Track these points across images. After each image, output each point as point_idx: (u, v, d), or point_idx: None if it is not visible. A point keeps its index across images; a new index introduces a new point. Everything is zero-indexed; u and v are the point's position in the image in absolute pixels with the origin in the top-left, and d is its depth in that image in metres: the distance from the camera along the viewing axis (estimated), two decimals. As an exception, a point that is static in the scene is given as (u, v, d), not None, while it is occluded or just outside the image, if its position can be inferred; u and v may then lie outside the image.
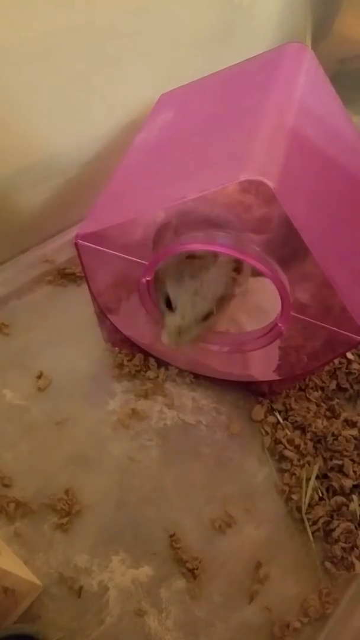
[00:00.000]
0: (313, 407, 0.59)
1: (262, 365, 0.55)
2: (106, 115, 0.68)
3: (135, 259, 0.47)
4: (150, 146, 0.54)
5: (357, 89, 1.06)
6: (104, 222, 0.46)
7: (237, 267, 0.49)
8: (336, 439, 0.57)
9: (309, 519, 0.52)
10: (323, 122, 0.50)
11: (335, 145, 0.51)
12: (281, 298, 0.45)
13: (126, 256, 0.47)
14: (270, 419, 0.59)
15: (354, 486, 0.53)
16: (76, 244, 0.48)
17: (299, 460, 0.56)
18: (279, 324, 0.48)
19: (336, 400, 0.61)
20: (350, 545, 0.50)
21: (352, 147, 0.55)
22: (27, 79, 0.55)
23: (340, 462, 0.55)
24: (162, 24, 0.67)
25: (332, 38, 1.03)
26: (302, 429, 0.58)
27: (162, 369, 0.61)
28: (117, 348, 0.62)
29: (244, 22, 0.81)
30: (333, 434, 0.57)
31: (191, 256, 0.46)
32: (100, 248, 0.47)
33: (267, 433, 0.58)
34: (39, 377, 0.59)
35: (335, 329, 0.46)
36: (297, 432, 0.58)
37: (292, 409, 0.59)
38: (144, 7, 0.63)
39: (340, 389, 0.62)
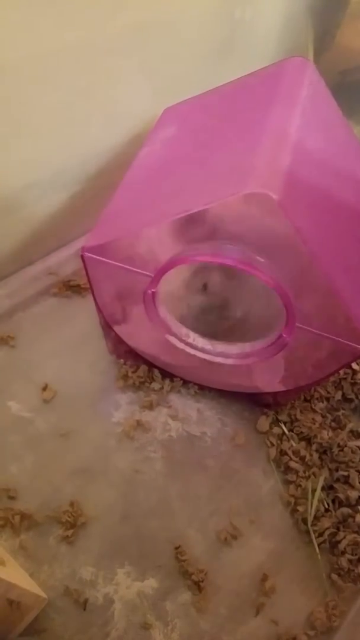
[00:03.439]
0: (318, 418, 0.59)
1: (267, 376, 0.55)
2: (109, 131, 0.69)
3: (141, 271, 0.48)
4: (154, 160, 0.55)
5: (358, 100, 1.07)
6: (110, 235, 0.46)
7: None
8: (342, 450, 0.56)
9: (315, 531, 0.52)
10: (325, 134, 0.51)
11: (337, 157, 0.52)
12: (286, 309, 0.46)
13: (132, 268, 0.48)
14: (276, 430, 0.59)
15: (360, 497, 0.53)
16: (82, 257, 0.48)
17: (304, 471, 0.55)
18: (284, 335, 0.48)
19: (342, 411, 0.61)
20: (356, 557, 0.50)
21: (354, 159, 0.55)
22: (31, 97, 0.56)
23: (346, 473, 0.55)
24: (164, 39, 0.68)
25: (334, 50, 1.04)
26: (308, 440, 0.58)
27: (167, 380, 0.61)
28: (121, 359, 0.62)
29: (245, 35, 0.81)
30: (339, 445, 0.57)
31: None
32: (105, 260, 0.48)
33: (272, 444, 0.58)
34: (44, 389, 0.59)
35: (339, 339, 0.46)
36: (303, 444, 0.58)
37: (297, 420, 0.59)
38: (146, 22, 0.64)
39: (345, 399, 0.62)
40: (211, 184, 0.45)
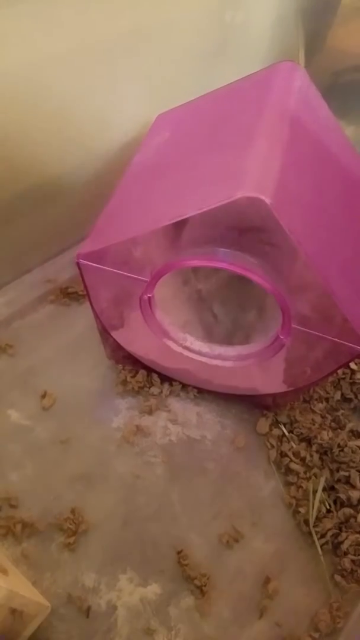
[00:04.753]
0: (318, 419, 0.59)
1: (265, 378, 0.55)
2: (104, 137, 0.69)
3: (136, 277, 0.48)
4: (148, 166, 0.55)
5: (351, 100, 1.07)
6: (105, 241, 0.47)
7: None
8: (342, 450, 0.56)
9: (317, 532, 0.52)
10: (316, 137, 0.51)
11: (329, 159, 0.52)
12: (282, 311, 0.46)
13: (127, 274, 0.48)
14: (276, 431, 0.59)
15: (362, 497, 0.53)
16: (78, 263, 0.48)
17: (305, 472, 0.55)
18: (281, 337, 0.49)
19: (341, 411, 0.61)
20: (359, 557, 0.50)
21: (346, 160, 0.55)
22: (24, 104, 0.56)
23: (347, 474, 0.55)
24: (157, 45, 0.68)
25: (325, 51, 1.04)
26: (308, 441, 0.58)
27: (166, 385, 0.61)
28: (120, 365, 0.62)
29: (237, 39, 0.82)
30: (339, 445, 0.57)
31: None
32: (101, 267, 0.48)
33: (272, 446, 0.58)
34: (44, 396, 0.59)
35: (337, 339, 0.46)
36: (303, 445, 0.58)
37: (297, 421, 0.59)
38: (138, 28, 0.64)
39: (344, 399, 0.62)
40: (205, 189, 0.45)
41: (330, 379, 0.63)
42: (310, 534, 0.52)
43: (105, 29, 0.60)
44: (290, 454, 0.57)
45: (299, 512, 0.53)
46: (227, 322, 0.59)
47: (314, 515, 0.52)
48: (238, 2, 0.77)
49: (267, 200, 0.38)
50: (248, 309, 0.59)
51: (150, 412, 0.59)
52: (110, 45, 0.62)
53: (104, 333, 0.57)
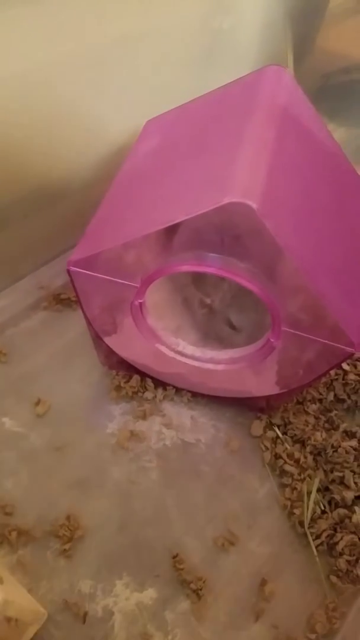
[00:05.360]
0: (311, 420, 0.60)
1: (258, 381, 0.55)
2: (95, 143, 0.69)
3: (127, 282, 0.48)
4: (138, 172, 0.55)
5: (341, 102, 1.08)
6: (95, 247, 0.47)
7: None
8: (336, 451, 0.57)
9: (312, 533, 0.52)
10: (304, 141, 0.51)
11: (317, 163, 0.52)
12: (271, 314, 0.46)
13: (118, 280, 0.48)
14: (270, 433, 0.59)
15: (356, 497, 0.54)
16: (68, 271, 0.48)
17: (299, 474, 0.56)
18: (271, 340, 0.49)
19: (334, 411, 0.61)
20: (354, 557, 0.50)
21: (334, 164, 0.56)
22: (13, 112, 0.57)
23: (341, 474, 0.55)
24: (146, 51, 0.68)
25: (314, 54, 1.05)
26: (302, 442, 0.58)
27: (160, 389, 0.61)
28: (113, 370, 0.62)
29: (225, 45, 0.82)
30: (332, 446, 0.57)
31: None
32: (92, 273, 0.48)
33: (266, 448, 0.58)
34: (37, 403, 0.59)
35: (327, 341, 0.47)
36: (297, 446, 0.58)
37: (290, 423, 0.59)
38: (126, 35, 0.64)
39: (337, 400, 0.63)
40: (193, 194, 0.45)
41: (323, 380, 0.63)
42: (305, 535, 0.52)
43: (94, 35, 0.61)
44: (284, 455, 0.57)
45: (294, 513, 0.53)
46: (248, 328, 0.59)
47: (309, 517, 0.53)
48: (227, 7, 0.78)
49: (254, 206, 0.38)
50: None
51: (144, 417, 0.59)
52: (99, 51, 0.62)
53: (97, 339, 0.57)
